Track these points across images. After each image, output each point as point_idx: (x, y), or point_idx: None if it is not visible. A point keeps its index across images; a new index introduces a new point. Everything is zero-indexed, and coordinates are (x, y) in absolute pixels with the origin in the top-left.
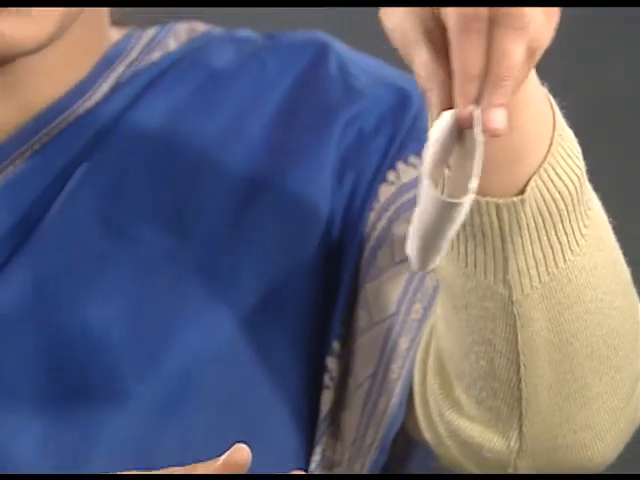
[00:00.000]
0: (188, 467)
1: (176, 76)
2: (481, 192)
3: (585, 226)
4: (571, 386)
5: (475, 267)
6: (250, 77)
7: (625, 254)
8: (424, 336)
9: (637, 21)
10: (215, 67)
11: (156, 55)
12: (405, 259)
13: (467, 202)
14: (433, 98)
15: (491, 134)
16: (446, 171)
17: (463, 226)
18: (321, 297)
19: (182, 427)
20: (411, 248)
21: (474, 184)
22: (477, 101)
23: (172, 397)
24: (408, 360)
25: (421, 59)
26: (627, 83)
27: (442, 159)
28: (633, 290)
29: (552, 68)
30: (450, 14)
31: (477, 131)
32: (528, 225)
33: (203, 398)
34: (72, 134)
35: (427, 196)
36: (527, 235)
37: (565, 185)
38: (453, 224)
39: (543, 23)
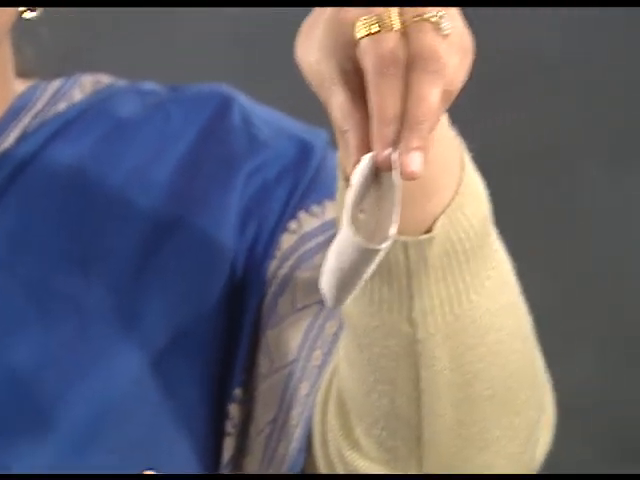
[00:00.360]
0: None
1: (81, 126)
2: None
3: (491, 267)
4: (471, 428)
5: (380, 305)
6: (155, 128)
7: (526, 300)
8: (325, 380)
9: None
10: (120, 117)
11: (62, 106)
12: (306, 306)
13: (387, 247)
14: (350, 140)
15: (408, 178)
16: (360, 213)
17: None
18: (224, 343)
19: (91, 468)
20: (326, 285)
21: (393, 230)
22: (395, 144)
23: (80, 440)
24: (307, 406)
25: (337, 100)
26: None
27: (360, 202)
28: (533, 336)
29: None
30: (367, 57)
31: (395, 175)
32: (435, 264)
33: (111, 440)
34: None
35: (347, 240)
36: (433, 274)
37: (472, 225)
38: (370, 267)
39: (458, 65)
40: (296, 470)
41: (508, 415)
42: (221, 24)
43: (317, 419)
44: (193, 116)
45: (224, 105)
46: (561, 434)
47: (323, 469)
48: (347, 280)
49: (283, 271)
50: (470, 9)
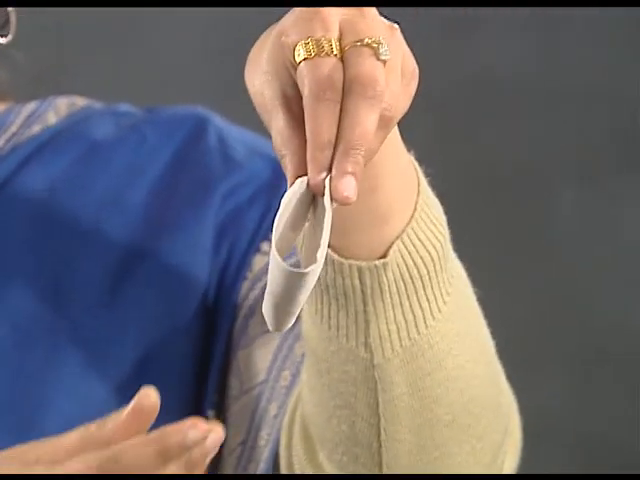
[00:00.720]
0: (96, 424)
1: (56, 148)
2: (344, 254)
3: (447, 293)
4: (432, 453)
5: (337, 330)
6: (130, 149)
7: (489, 324)
8: (291, 402)
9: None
10: (95, 139)
11: (36, 129)
12: None
13: (314, 271)
14: (287, 165)
15: (341, 202)
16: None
17: (326, 288)
18: (197, 366)
19: None
20: (264, 309)
21: (321, 254)
22: (329, 169)
23: None
24: (275, 427)
25: (277, 125)
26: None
27: (295, 226)
28: (496, 360)
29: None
30: (304, 81)
31: (326, 199)
32: (390, 289)
33: None
34: None
35: (274, 264)
36: (389, 299)
37: (427, 251)
38: (302, 291)
39: (398, 92)
40: None
41: (470, 440)
42: (192, 41)
43: (283, 443)
44: (168, 138)
45: (199, 126)
46: (528, 454)
47: None
48: (281, 304)
49: (255, 293)
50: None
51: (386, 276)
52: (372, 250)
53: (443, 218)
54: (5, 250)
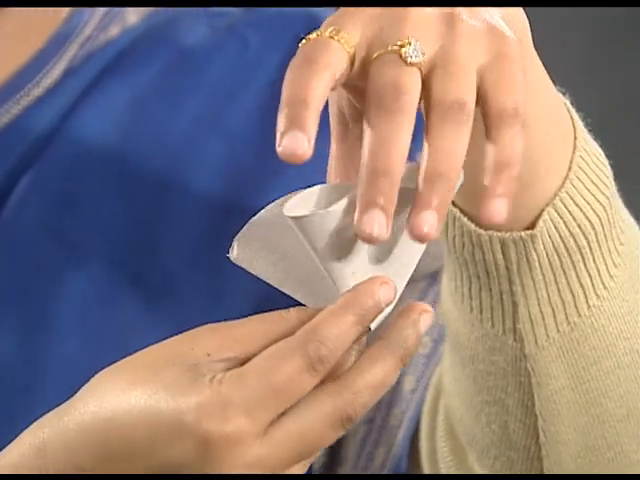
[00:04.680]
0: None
1: (138, 57)
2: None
3: (615, 265)
4: (604, 454)
5: (480, 313)
6: (228, 57)
7: None
8: (434, 382)
9: None
10: (185, 45)
11: (114, 31)
12: (412, 280)
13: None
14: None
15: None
16: None
17: (465, 264)
18: None
19: None
20: None
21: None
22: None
23: None
24: (413, 403)
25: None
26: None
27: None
28: None
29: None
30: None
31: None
32: (541, 265)
33: None
34: (15, 134)
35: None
36: (540, 277)
37: (587, 218)
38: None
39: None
40: None
41: None
42: None
43: (424, 434)
44: (275, 42)
45: (311, 26)
46: None
47: None
48: None
49: None
50: None
51: (535, 250)
52: (517, 219)
53: (608, 174)
54: (78, 185)
